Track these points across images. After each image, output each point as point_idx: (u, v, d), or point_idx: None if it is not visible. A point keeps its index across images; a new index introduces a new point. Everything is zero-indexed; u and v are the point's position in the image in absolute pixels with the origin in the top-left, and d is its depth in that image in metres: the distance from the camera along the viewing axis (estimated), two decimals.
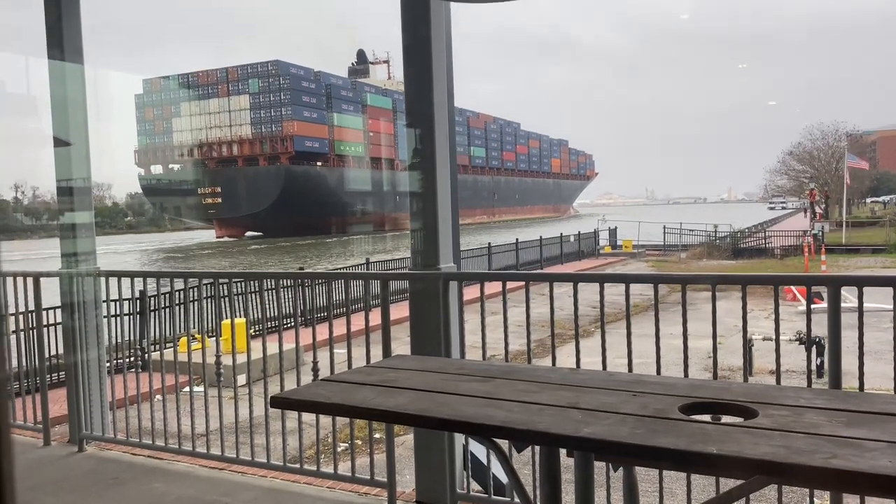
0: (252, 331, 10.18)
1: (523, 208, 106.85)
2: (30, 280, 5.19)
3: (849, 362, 3.03)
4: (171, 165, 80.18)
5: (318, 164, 76.36)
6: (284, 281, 5.26)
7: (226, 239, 72.36)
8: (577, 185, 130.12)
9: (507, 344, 3.89)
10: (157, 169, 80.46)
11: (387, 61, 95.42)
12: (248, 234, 74.31)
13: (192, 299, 5.18)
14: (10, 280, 5.28)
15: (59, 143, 5.01)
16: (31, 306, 5.22)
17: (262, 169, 74.39)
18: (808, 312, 3.29)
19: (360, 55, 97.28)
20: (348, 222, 72.48)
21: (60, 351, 5.17)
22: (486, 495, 3.88)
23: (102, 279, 5.11)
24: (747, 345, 3.40)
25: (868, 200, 70.02)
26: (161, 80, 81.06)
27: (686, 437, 1.92)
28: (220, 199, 74.40)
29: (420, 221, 3.90)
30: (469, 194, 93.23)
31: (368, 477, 4.11)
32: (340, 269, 23.09)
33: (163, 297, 11.44)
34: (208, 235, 75.03)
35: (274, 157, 74.94)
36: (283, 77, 74.80)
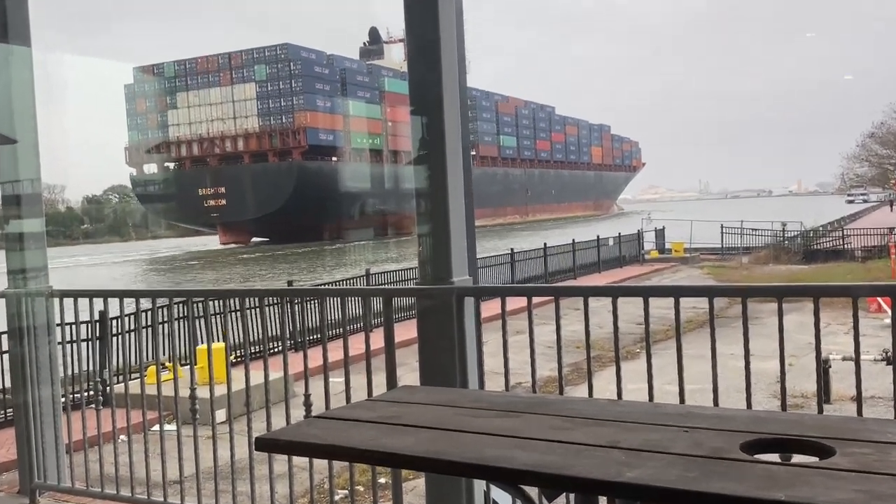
0: (233, 357, 10.22)
1: (560, 206, 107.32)
2: None
3: None
4: (167, 164, 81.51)
5: (334, 159, 77.60)
6: (270, 298, 5.28)
7: (231, 245, 73.86)
8: (621, 178, 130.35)
9: (534, 370, 3.88)
10: (150, 168, 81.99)
11: (402, 40, 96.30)
12: (255, 239, 75.92)
13: (161, 321, 5.21)
14: None
15: (1, 139, 5.05)
16: None
17: (272, 166, 75.81)
18: (895, 327, 3.26)
19: (373, 33, 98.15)
20: (366, 224, 73.42)
21: (7, 385, 5.21)
22: None
23: (56, 299, 5.15)
24: (822, 366, 3.37)
25: None
26: (154, 67, 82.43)
27: (749, 482, 1.91)
28: (223, 201, 75.83)
29: (428, 225, 3.91)
30: (499, 190, 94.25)
31: None
32: (347, 280, 23.10)
33: (127, 319, 11.52)
34: (187, 244, 75.92)
35: (285, 152, 76.37)
36: (294, 62, 76.41)
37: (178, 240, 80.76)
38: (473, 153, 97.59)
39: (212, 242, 76.95)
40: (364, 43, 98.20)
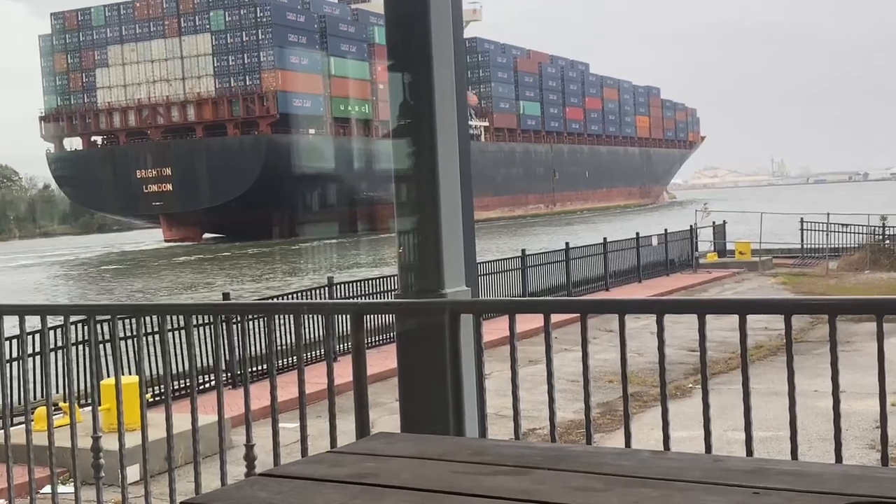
0: (150, 395, 10.21)
1: (597, 192, 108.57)
2: None
3: None
4: (94, 138, 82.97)
5: (312, 131, 78.12)
6: (199, 317, 5.29)
7: (175, 243, 75.14)
8: (675, 156, 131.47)
9: (552, 412, 3.89)
10: (73, 143, 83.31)
11: None
12: (207, 235, 77.79)
13: (54, 346, 5.20)
14: None
15: None
16: None
17: (233, 140, 77.09)
18: None
19: None
20: (351, 216, 74.07)
21: None
22: None
23: None
24: None
25: None
26: (79, 13, 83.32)
27: None
28: (169, 186, 77.10)
29: (412, 219, 3.92)
30: (519, 172, 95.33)
31: None
32: (302, 293, 23.14)
33: (8, 343, 11.50)
34: (85, 242, 76.28)
35: (250, 122, 77.67)
36: (262, 8, 77.39)
37: (79, 237, 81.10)
38: (486, 124, 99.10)
39: (124, 241, 77.30)
40: None
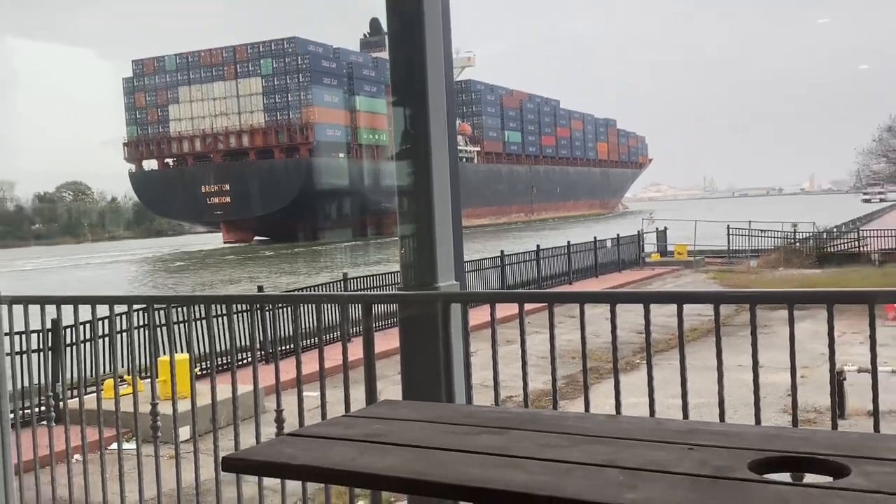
0: (198, 369, 10.17)
1: (566, 204, 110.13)
2: None
3: None
4: (167, 160, 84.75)
5: (341, 155, 79.89)
6: (238, 305, 5.27)
7: (232, 244, 76.69)
8: (628, 175, 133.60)
9: (525, 383, 3.88)
10: (151, 164, 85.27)
11: None
12: (257, 238, 79.13)
13: (120, 330, 5.18)
14: None
15: None
16: None
17: (279, 163, 78.99)
18: None
19: (374, 24, 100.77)
20: (378, 223, 75.72)
21: None
22: None
23: (4, 306, 5.11)
24: (836, 379, 3.40)
25: None
26: (155, 61, 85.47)
27: None
28: (227, 199, 79.09)
29: (411, 226, 3.91)
30: (504, 188, 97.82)
31: None
32: (321, 286, 23.12)
33: (82, 327, 11.46)
34: (141, 246, 77.13)
35: (292, 148, 79.90)
36: (302, 56, 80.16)
37: (141, 241, 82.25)
38: (478, 149, 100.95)
39: (182, 243, 78.32)
40: (364, 34, 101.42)
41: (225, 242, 78.49)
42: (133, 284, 48.59)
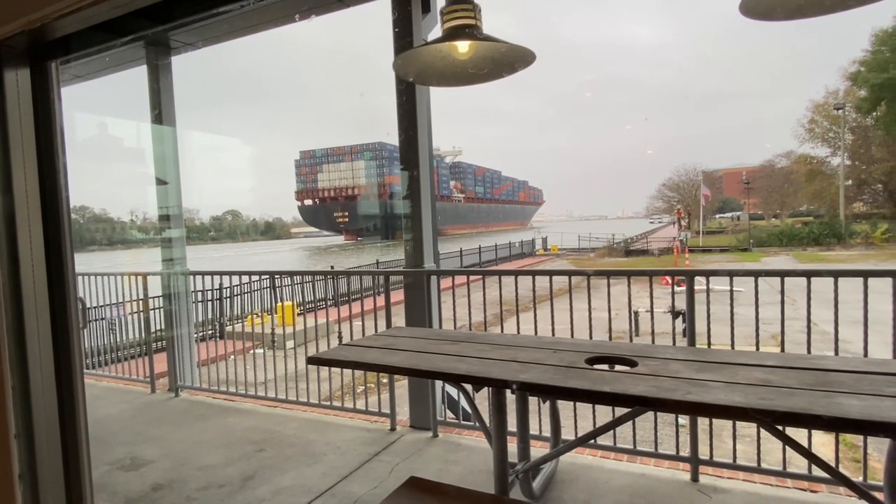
0: (298, 310, 10.09)
1: (504, 223, 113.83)
2: (140, 278, 5.09)
3: (701, 327, 3.07)
4: (316, 201, 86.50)
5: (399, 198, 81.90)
6: (319, 276, 5.20)
7: (346, 242, 77.77)
8: (533, 209, 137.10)
9: (470, 318, 3.87)
10: (308, 202, 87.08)
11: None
12: (359, 238, 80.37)
13: (255, 289, 5.11)
14: (126, 278, 5.18)
15: (159, 182, 4.92)
16: (142, 295, 5.11)
17: (372, 202, 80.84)
18: (673, 293, 3.32)
19: None
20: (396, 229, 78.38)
21: (162, 326, 5.07)
22: (457, 421, 3.87)
23: (191, 277, 5.03)
24: (633, 316, 3.41)
25: (717, 216, 71.36)
26: (312, 152, 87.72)
27: (590, 381, 1.94)
28: (347, 219, 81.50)
29: (411, 235, 3.89)
30: (474, 215, 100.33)
31: (377, 410, 4.09)
32: (364, 266, 22.87)
33: (235, 287, 11.29)
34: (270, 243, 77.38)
35: (379, 195, 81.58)
36: (384, 151, 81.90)
37: (268, 242, 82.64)
38: (462, 195, 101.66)
39: (307, 243, 79.69)
40: None
41: (345, 240, 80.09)
42: (303, 262, 45.60)
